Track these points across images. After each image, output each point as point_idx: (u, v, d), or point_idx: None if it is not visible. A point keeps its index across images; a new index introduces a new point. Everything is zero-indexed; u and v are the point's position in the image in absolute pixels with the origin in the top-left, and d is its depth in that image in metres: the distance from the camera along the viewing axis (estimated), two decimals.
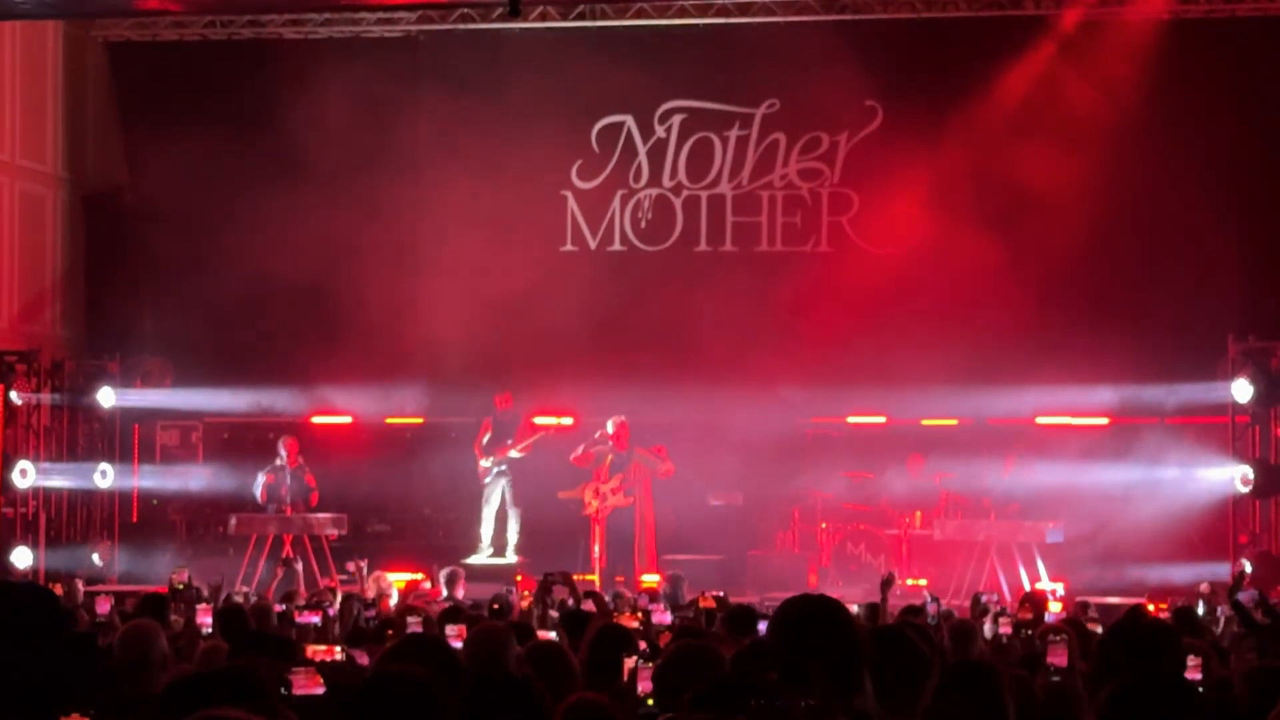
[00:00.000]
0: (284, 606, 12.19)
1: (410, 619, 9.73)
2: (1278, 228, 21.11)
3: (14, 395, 21.63)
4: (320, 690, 5.90)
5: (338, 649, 7.81)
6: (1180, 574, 19.06)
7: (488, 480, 21.05)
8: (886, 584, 12.65)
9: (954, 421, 22.11)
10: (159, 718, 3.69)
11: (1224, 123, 21.47)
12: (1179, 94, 21.46)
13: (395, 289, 23.38)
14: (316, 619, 10.93)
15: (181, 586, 11.72)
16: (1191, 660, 6.89)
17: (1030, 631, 10.37)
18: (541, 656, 7.28)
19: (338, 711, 4.78)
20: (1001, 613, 11.81)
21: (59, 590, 13.42)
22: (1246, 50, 21.86)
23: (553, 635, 8.52)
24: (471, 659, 7.16)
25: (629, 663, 6.94)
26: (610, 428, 20.49)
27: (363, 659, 8.36)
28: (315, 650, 7.58)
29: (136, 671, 6.89)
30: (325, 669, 6.82)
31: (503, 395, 21.19)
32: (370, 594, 14.87)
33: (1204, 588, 16.22)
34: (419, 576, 18.77)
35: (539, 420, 21.37)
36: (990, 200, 22.33)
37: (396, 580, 17.55)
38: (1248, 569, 16.25)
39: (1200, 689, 6.71)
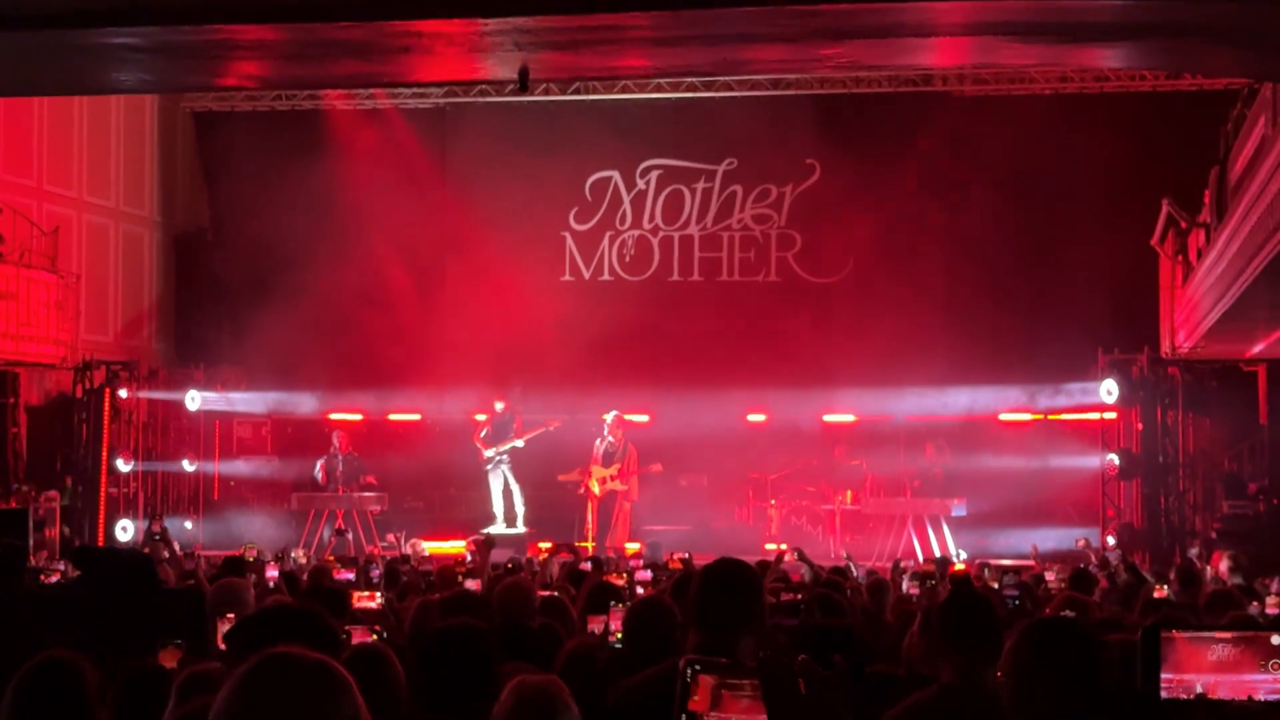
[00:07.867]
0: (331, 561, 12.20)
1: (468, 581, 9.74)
2: (1135, 261, 20.96)
3: (123, 393, 21.69)
4: (371, 637, 5.88)
5: (378, 594, 7.83)
6: (1061, 540, 19.11)
7: (489, 467, 20.89)
8: (801, 555, 12.71)
9: (875, 417, 22.11)
10: (240, 647, 3.67)
11: (1092, 178, 21.47)
12: (1060, 152, 21.49)
13: (425, 312, 23.36)
14: (351, 575, 10.97)
15: (251, 559, 11.75)
16: (1069, 614, 6.97)
17: (933, 584, 10.44)
18: (550, 606, 7.32)
19: (415, 656, 4.74)
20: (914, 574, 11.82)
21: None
22: (1113, 116, 21.88)
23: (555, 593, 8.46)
24: (501, 607, 7.19)
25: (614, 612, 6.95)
26: (609, 418, 20.39)
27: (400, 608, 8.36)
28: (360, 596, 7.59)
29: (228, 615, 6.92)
30: (378, 618, 6.85)
31: (501, 398, 21.05)
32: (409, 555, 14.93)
33: (1080, 542, 16.34)
34: (459, 547, 18.43)
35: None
36: (908, 239, 22.41)
37: (431, 547, 17.58)
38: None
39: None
